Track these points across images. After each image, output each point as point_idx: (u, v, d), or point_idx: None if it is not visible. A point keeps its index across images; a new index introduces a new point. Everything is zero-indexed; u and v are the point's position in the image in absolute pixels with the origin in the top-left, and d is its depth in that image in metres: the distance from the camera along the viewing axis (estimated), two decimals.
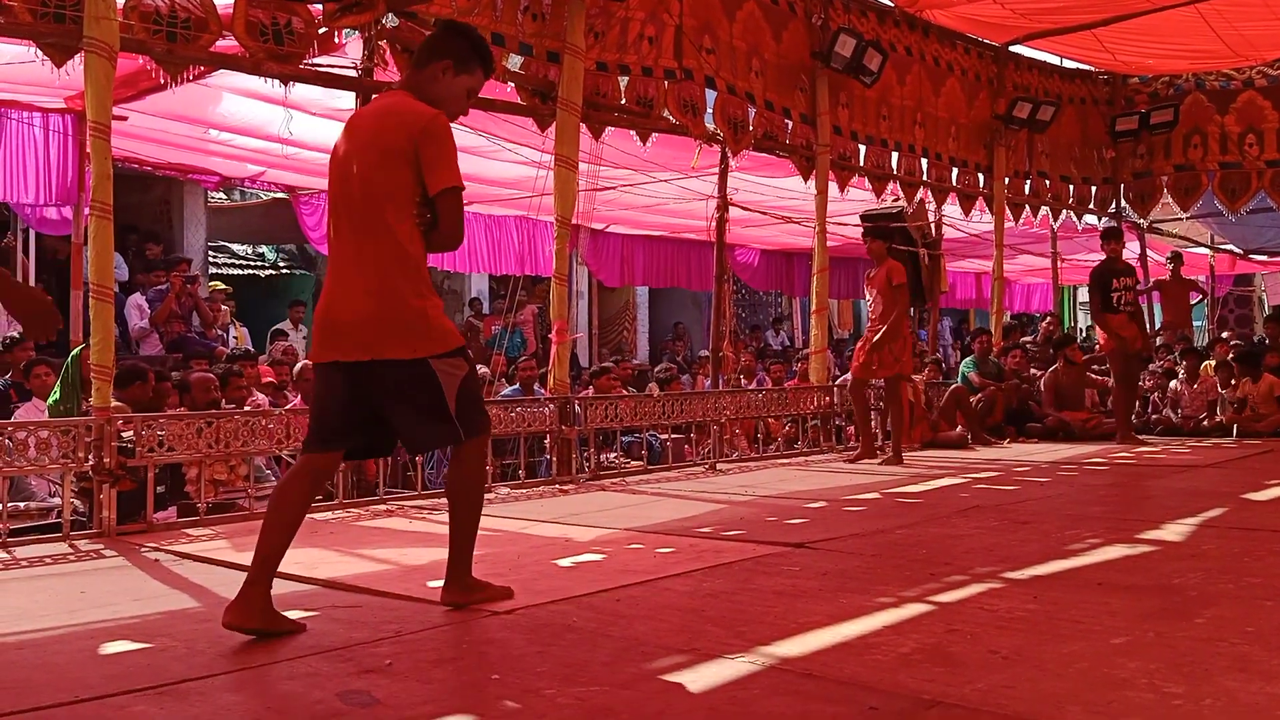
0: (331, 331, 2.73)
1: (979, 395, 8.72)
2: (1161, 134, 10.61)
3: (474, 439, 2.82)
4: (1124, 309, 8.06)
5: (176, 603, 3.07)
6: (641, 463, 6.73)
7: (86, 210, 4.69)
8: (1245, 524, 4.18)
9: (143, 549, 3.93)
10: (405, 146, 2.66)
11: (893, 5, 8.67)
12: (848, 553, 3.61)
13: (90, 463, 4.18)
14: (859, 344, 7.13)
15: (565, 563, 3.54)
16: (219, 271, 13.01)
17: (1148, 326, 8.68)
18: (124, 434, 4.28)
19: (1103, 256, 8.29)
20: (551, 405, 5.95)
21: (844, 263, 13.76)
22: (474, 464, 2.88)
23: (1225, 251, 14.75)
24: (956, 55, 9.41)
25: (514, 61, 6.13)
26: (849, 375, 7.37)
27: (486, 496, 5.31)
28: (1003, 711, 1.94)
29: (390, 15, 5.46)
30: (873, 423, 7.62)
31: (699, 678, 2.18)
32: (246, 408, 5.83)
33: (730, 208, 7.96)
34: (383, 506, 5.00)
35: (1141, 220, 11.62)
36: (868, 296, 7.07)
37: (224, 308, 9.63)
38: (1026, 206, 10.35)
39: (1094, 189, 11.06)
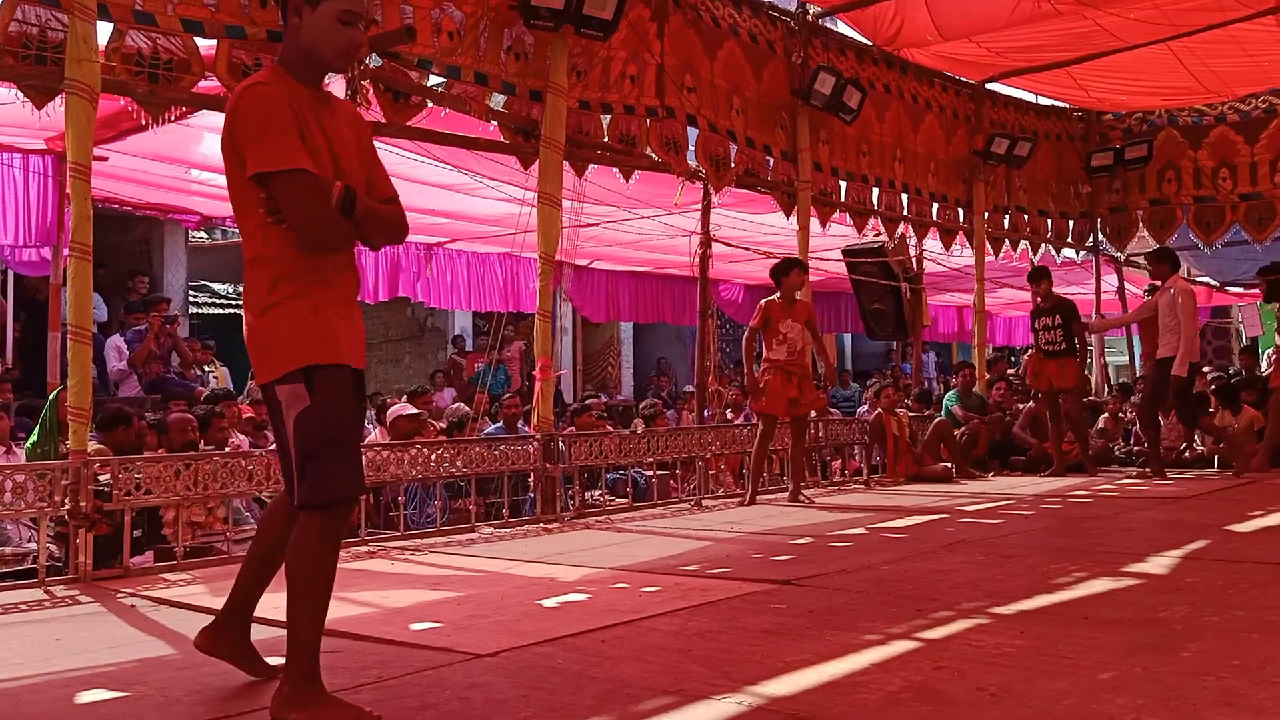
0: None
1: (963, 429, 8.75)
2: (1136, 169, 10.78)
3: (313, 511, 2.23)
4: (1044, 349, 8.26)
5: (153, 650, 3.01)
6: (626, 500, 6.69)
7: (66, 251, 4.67)
8: (1228, 556, 4.19)
9: (119, 595, 3.86)
10: (227, 137, 2.30)
11: (871, 44, 8.81)
12: (834, 589, 3.59)
13: (67, 507, 4.11)
14: (772, 379, 6.63)
15: (550, 603, 3.50)
16: (200, 311, 12.97)
17: (1085, 360, 8.82)
18: (101, 477, 4.23)
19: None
20: (535, 442, 5.92)
21: (827, 297, 13.85)
22: (309, 535, 2.24)
23: (1202, 284, 14.92)
24: (934, 93, 9.56)
25: (497, 100, 6.18)
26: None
27: (469, 536, 5.29)
28: None
29: (373, 55, 5.50)
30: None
31: None
32: (226, 449, 5.78)
33: (713, 243, 8.00)
34: (364, 548, 4.94)
35: (1119, 254, 11.76)
36: (784, 329, 6.65)
37: (210, 370, 9.46)
38: (1006, 241, 10.47)
39: (1071, 223, 11.20)
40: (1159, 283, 8.19)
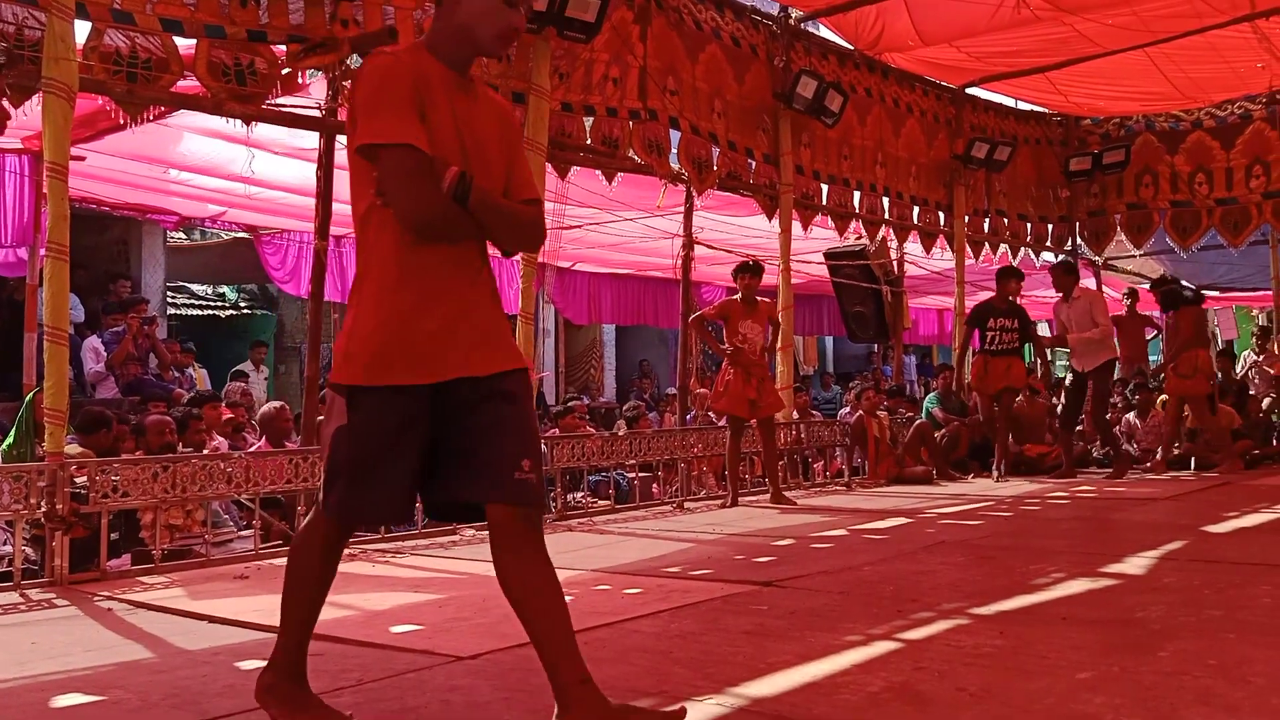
0: None
1: (943, 431, 8.79)
2: (1114, 173, 10.88)
3: (320, 510, 2.21)
4: (991, 349, 8.22)
5: (130, 654, 2.98)
6: (609, 502, 6.68)
7: (42, 251, 4.62)
8: (1205, 556, 4.23)
9: (96, 598, 3.82)
10: (348, 110, 2.15)
11: (853, 48, 8.85)
12: (816, 590, 3.60)
13: (43, 509, 4.07)
14: (732, 379, 6.60)
15: None
16: (178, 312, 12.87)
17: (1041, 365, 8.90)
18: (77, 479, 4.19)
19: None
20: None
21: (809, 299, 13.90)
22: (313, 534, 2.26)
23: None
24: (915, 97, 9.61)
25: None
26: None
27: (451, 538, 5.27)
28: None
29: (354, 56, 5.48)
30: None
31: None
32: (205, 451, 5.73)
33: (696, 246, 8.01)
34: (345, 550, 4.90)
35: (1097, 257, 11.87)
36: (743, 330, 6.64)
37: (192, 373, 9.39)
38: (986, 244, 10.54)
39: (1050, 227, 11.29)
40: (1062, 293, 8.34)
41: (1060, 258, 10.22)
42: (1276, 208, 10.22)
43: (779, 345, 7.45)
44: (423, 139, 2.06)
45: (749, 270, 6.79)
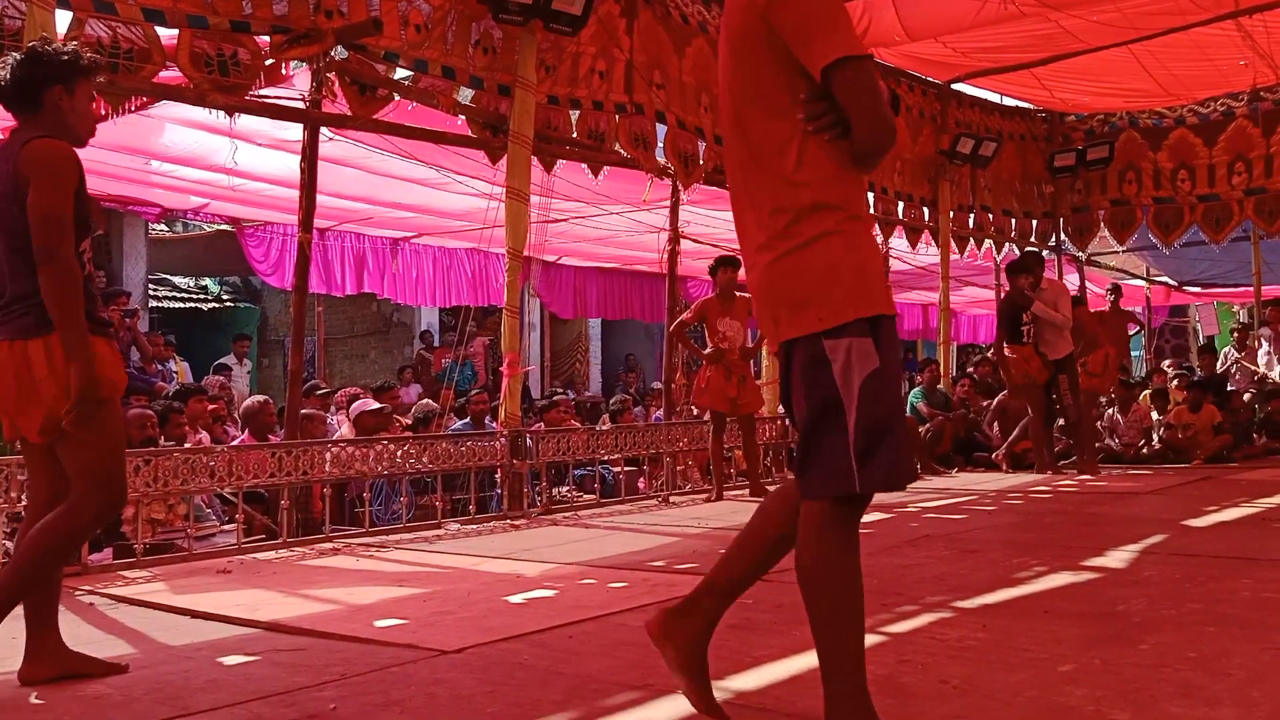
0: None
1: (927, 425, 8.83)
2: (1098, 170, 10.94)
3: (822, 500, 1.86)
4: (1029, 342, 8.20)
5: (112, 649, 2.96)
6: (594, 496, 6.68)
7: None
8: (1185, 550, 4.26)
9: (77, 593, 3.79)
10: (752, 23, 1.87)
11: None
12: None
13: (23, 503, 4.03)
14: (713, 376, 6.63)
15: (516, 599, 3.49)
16: (160, 305, 12.78)
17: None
18: None
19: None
20: (503, 439, 5.90)
21: None
22: (817, 539, 1.88)
23: (1160, 283, 15.18)
24: (901, 92, 9.62)
25: (465, 94, 6.14)
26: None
27: (435, 533, 5.26)
28: None
29: (339, 47, 5.44)
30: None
31: (652, 715, 2.15)
32: (187, 445, 5.69)
33: (682, 240, 8.01)
34: (329, 545, 4.90)
35: (1080, 253, 11.94)
36: (722, 328, 6.67)
37: (173, 366, 9.34)
38: (971, 239, 10.58)
39: (1035, 223, 11.34)
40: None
41: (1029, 250, 10.21)
42: (1258, 204, 10.31)
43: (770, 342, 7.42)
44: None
45: (726, 264, 6.78)
